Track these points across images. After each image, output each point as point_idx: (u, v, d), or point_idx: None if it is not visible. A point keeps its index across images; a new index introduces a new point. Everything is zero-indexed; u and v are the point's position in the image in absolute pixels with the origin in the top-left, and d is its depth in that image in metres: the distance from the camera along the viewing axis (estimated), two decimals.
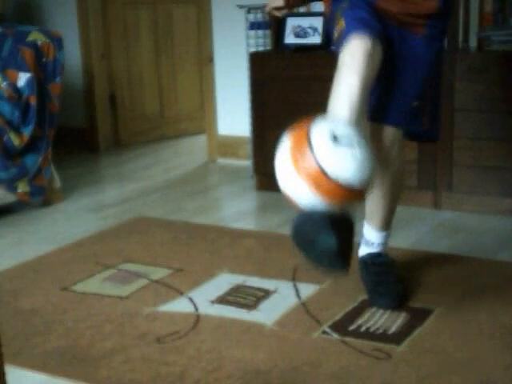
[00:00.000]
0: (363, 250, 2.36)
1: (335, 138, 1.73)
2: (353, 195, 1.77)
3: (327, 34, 2.21)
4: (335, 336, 2.03)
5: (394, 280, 2.26)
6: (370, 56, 1.92)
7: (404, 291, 2.26)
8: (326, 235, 1.80)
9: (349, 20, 2.03)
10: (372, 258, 2.32)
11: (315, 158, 1.71)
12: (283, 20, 3.61)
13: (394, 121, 2.15)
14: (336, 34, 2.09)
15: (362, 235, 2.37)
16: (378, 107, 2.13)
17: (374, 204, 2.29)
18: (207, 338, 2.05)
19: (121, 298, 2.35)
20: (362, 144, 1.76)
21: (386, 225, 2.32)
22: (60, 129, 3.60)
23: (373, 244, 2.33)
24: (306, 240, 1.85)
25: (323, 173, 1.71)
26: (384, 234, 2.32)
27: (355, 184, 1.74)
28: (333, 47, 2.15)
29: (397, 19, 2.08)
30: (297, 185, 1.75)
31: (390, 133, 2.16)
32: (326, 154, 1.71)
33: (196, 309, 2.25)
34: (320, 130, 1.75)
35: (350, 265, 1.89)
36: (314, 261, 1.88)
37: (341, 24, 2.05)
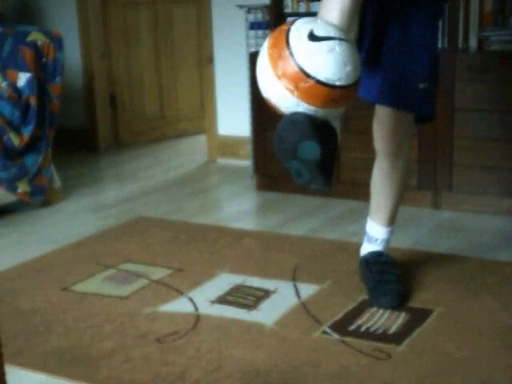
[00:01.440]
0: (365, 249, 2.36)
1: (313, 36, 1.65)
2: (334, 95, 1.67)
3: None
4: (335, 336, 2.03)
5: (396, 280, 2.26)
6: None
7: (405, 291, 2.26)
8: (309, 142, 1.72)
9: None
10: (374, 256, 2.32)
11: (292, 56, 1.64)
12: (283, 20, 3.61)
13: (402, 104, 2.13)
14: None
15: (364, 234, 2.37)
16: (385, 89, 2.11)
17: (381, 197, 2.29)
18: (207, 338, 2.05)
19: (121, 297, 2.35)
20: (343, 40, 1.68)
21: (392, 219, 2.31)
22: (60, 129, 3.60)
23: (376, 240, 2.32)
24: (288, 147, 1.75)
25: (301, 71, 1.63)
26: (388, 229, 2.32)
27: (336, 81, 1.65)
28: None
29: None
30: (276, 86, 1.67)
31: (399, 120, 2.15)
32: (303, 51, 1.64)
33: (196, 309, 2.25)
34: (299, 28, 1.68)
35: (332, 182, 1.81)
36: (295, 171, 1.79)
37: None
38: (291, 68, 1.65)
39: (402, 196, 2.33)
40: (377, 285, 2.24)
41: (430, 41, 2.15)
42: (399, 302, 2.20)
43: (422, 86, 2.12)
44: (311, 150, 1.72)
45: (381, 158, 2.25)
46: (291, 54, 1.65)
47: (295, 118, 1.71)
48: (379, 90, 2.13)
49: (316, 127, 1.72)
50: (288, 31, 1.68)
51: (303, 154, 1.73)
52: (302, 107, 1.69)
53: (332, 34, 1.68)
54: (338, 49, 1.66)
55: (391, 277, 2.26)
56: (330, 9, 1.84)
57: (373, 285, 2.25)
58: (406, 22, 2.09)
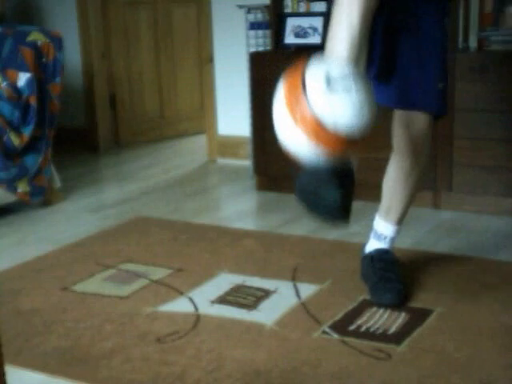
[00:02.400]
0: (371, 245, 2.36)
1: (330, 82, 1.63)
2: (352, 143, 1.69)
3: None
4: (335, 336, 2.03)
5: (398, 279, 2.26)
6: None
7: (406, 292, 2.26)
8: (331, 191, 1.77)
9: None
10: (379, 253, 2.32)
11: (310, 105, 1.62)
12: (283, 20, 3.61)
13: (424, 105, 2.14)
14: None
15: (371, 230, 2.37)
16: (404, 93, 2.12)
17: (395, 196, 2.28)
18: (207, 337, 2.05)
19: (121, 297, 2.35)
20: (359, 86, 1.66)
21: (402, 218, 2.32)
22: (60, 129, 3.60)
23: (385, 238, 2.32)
24: (310, 196, 1.83)
25: (319, 121, 1.62)
26: (398, 228, 2.33)
27: (353, 132, 1.66)
28: None
29: None
30: (294, 134, 1.67)
31: (421, 121, 2.15)
32: (320, 100, 1.62)
33: (196, 309, 2.25)
34: (314, 73, 1.66)
35: (351, 216, 1.86)
36: (316, 215, 1.85)
37: None
38: (310, 117, 1.64)
39: (415, 196, 2.33)
40: (380, 281, 2.24)
41: (442, 40, 2.16)
42: (400, 300, 2.20)
43: (440, 85, 2.14)
44: (332, 197, 1.80)
45: (401, 158, 2.24)
46: (308, 102, 1.64)
47: (317, 170, 1.75)
48: (398, 95, 2.14)
49: (336, 174, 1.77)
50: (303, 77, 1.66)
51: (325, 202, 1.81)
52: (322, 154, 1.69)
53: (348, 79, 1.66)
54: (355, 95, 1.64)
55: (394, 275, 2.26)
56: (338, 41, 1.82)
57: (375, 282, 2.25)
58: (417, 25, 2.10)
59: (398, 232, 2.34)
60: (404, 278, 2.31)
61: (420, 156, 2.23)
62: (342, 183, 1.79)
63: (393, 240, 2.34)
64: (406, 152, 2.22)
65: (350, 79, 1.66)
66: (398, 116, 2.19)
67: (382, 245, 2.33)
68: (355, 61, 1.79)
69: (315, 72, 1.66)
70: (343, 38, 1.80)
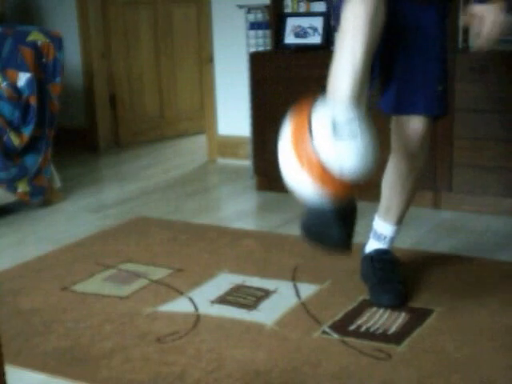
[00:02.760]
0: (371, 246, 2.36)
1: (336, 128, 1.66)
2: (356, 186, 1.73)
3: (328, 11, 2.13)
4: (335, 336, 2.03)
5: (398, 279, 2.26)
6: (374, 18, 1.82)
7: (406, 292, 2.26)
8: (336, 230, 1.81)
9: None
10: (379, 253, 2.32)
11: (316, 150, 1.65)
12: (283, 20, 3.61)
13: (424, 109, 2.13)
14: None
15: (370, 231, 2.37)
16: (403, 98, 2.12)
17: (395, 197, 2.28)
18: (207, 337, 2.05)
19: (121, 298, 2.35)
20: (364, 130, 1.69)
21: (401, 219, 2.32)
22: (60, 129, 3.60)
23: (384, 238, 2.32)
24: (316, 235, 1.88)
25: (325, 165, 1.66)
26: (397, 228, 2.33)
27: (358, 175, 1.70)
28: (332, 22, 2.08)
29: None
30: (299, 176, 1.71)
31: (420, 124, 2.15)
32: (326, 145, 1.65)
33: (196, 309, 2.25)
34: (320, 117, 1.68)
35: (352, 245, 1.90)
36: (322, 248, 1.91)
37: None
38: (316, 162, 1.66)
39: (414, 195, 2.33)
40: (380, 282, 2.24)
41: (442, 41, 2.15)
42: (400, 301, 2.20)
43: (440, 87, 2.14)
44: (337, 236, 1.84)
45: (399, 159, 2.23)
46: (315, 147, 1.66)
47: (320, 209, 1.79)
48: (396, 101, 2.14)
49: (340, 214, 1.80)
50: (310, 120, 1.68)
51: (330, 240, 1.86)
52: (326, 195, 1.73)
53: (353, 124, 1.68)
54: (360, 141, 1.67)
55: (394, 276, 2.26)
56: (341, 78, 1.83)
57: (375, 282, 2.25)
58: (418, 27, 2.09)
59: (397, 232, 2.34)
60: (404, 278, 2.31)
61: (418, 158, 2.22)
62: (346, 222, 1.83)
63: (392, 240, 2.34)
64: (404, 154, 2.21)
65: (355, 124, 1.68)
66: (396, 119, 2.19)
67: (381, 245, 2.33)
68: (358, 97, 1.80)
69: (321, 116, 1.69)
70: (347, 74, 1.81)
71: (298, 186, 1.74)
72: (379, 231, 2.33)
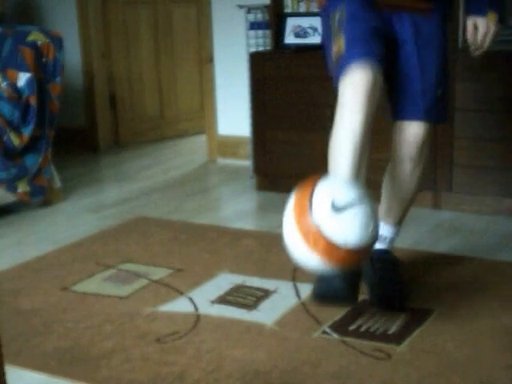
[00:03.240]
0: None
1: (338, 208, 1.71)
2: (356, 256, 1.76)
3: (323, 41, 2.19)
4: (335, 336, 2.03)
5: (398, 279, 2.26)
6: (372, 91, 1.89)
7: (405, 292, 2.26)
8: (347, 294, 1.95)
9: (348, 41, 1.97)
10: (379, 254, 2.31)
11: (321, 230, 1.70)
12: (283, 20, 3.61)
13: (424, 116, 2.13)
14: (334, 57, 2.04)
15: None
16: (404, 105, 2.12)
17: (395, 199, 2.28)
18: (207, 337, 2.05)
19: (121, 298, 2.35)
20: (365, 204, 1.74)
21: (402, 220, 2.33)
22: (60, 129, 3.60)
23: (385, 239, 2.32)
24: (329, 300, 2.01)
25: (331, 242, 1.70)
26: (397, 228, 2.33)
27: (363, 243, 1.73)
28: (331, 74, 2.09)
29: (406, 6, 2.06)
30: (307, 254, 1.74)
31: (420, 131, 2.15)
32: (330, 223, 1.70)
33: (196, 309, 2.25)
34: (321, 193, 1.73)
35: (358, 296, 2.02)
36: (332, 306, 2.09)
37: (339, 45, 1.99)
38: (322, 241, 1.70)
39: (415, 198, 2.33)
40: (380, 282, 2.24)
41: (443, 48, 2.15)
42: (400, 301, 2.20)
43: (439, 92, 2.14)
44: (349, 299, 1.99)
45: (400, 163, 2.23)
46: (319, 228, 1.70)
47: (330, 278, 1.90)
48: (397, 108, 2.15)
49: (349, 280, 1.93)
50: (311, 195, 1.72)
51: (342, 302, 2.05)
52: (334, 267, 1.77)
53: (353, 198, 1.72)
54: (360, 215, 1.71)
55: (393, 276, 2.26)
56: (341, 153, 1.89)
57: (375, 282, 2.25)
58: (417, 38, 2.09)
59: (397, 233, 2.34)
60: (404, 278, 2.31)
61: (419, 162, 2.21)
62: (355, 285, 1.96)
63: (393, 240, 2.34)
64: (404, 159, 2.21)
65: (356, 203, 1.72)
66: (397, 124, 2.19)
67: (381, 245, 2.33)
68: (359, 169, 1.87)
69: (322, 192, 1.73)
70: (347, 152, 1.87)
71: (303, 260, 1.78)
72: (380, 232, 2.33)
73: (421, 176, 2.26)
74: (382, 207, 2.32)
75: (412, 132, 2.16)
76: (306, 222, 1.71)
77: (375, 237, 1.79)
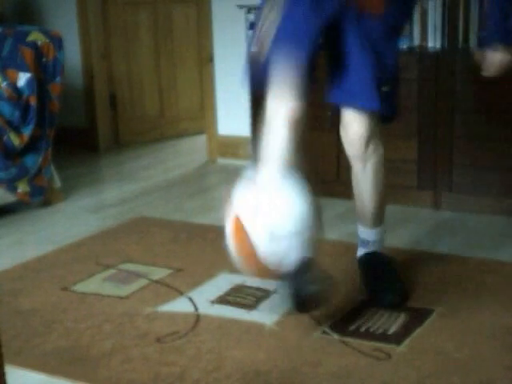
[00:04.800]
0: (360, 251, 2.36)
1: (274, 237, 1.84)
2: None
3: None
4: (335, 336, 2.03)
5: (394, 278, 2.26)
6: (293, 118, 1.99)
7: (405, 289, 2.26)
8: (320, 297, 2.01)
9: (281, 31, 1.98)
10: (369, 257, 2.32)
11: (260, 258, 1.88)
12: None
13: (360, 102, 2.13)
14: (262, 39, 2.08)
15: (357, 236, 2.37)
16: (344, 88, 2.13)
17: (360, 202, 2.28)
18: (207, 338, 2.05)
19: (121, 297, 2.35)
20: (302, 230, 1.86)
21: (377, 221, 2.30)
22: (60, 129, 3.60)
23: (368, 243, 2.32)
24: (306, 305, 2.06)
25: (269, 268, 1.89)
26: (377, 230, 2.31)
27: (295, 265, 1.88)
28: (253, 51, 2.15)
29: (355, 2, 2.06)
30: (251, 273, 2.01)
31: (361, 128, 2.15)
32: (267, 252, 1.86)
33: (196, 309, 2.25)
34: (258, 229, 1.86)
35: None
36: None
37: (268, 29, 2.03)
38: (261, 266, 1.90)
39: (384, 196, 2.30)
40: (376, 283, 2.24)
41: (391, 45, 2.14)
42: (401, 300, 2.20)
43: (385, 88, 2.12)
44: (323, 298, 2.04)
45: (351, 161, 2.24)
46: (259, 256, 1.88)
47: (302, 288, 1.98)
48: (338, 89, 2.16)
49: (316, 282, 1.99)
50: (247, 232, 1.88)
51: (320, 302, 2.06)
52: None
53: (290, 229, 1.85)
54: (295, 242, 1.86)
55: (389, 275, 2.26)
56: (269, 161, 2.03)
57: (372, 284, 2.25)
58: (361, 32, 2.08)
59: (380, 234, 2.32)
60: (402, 277, 2.31)
61: (367, 158, 2.20)
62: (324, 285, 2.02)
63: (378, 242, 2.33)
64: (352, 156, 2.21)
65: (292, 236, 1.86)
66: (342, 116, 2.19)
67: (367, 249, 2.33)
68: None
69: (260, 229, 1.87)
70: (274, 158, 2.00)
71: (252, 274, 2.01)
72: (362, 237, 2.34)
73: (376, 175, 2.23)
74: (357, 212, 2.32)
75: (354, 130, 2.16)
76: (241, 236, 1.88)
77: (314, 253, 1.92)
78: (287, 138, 1.97)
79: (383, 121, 2.23)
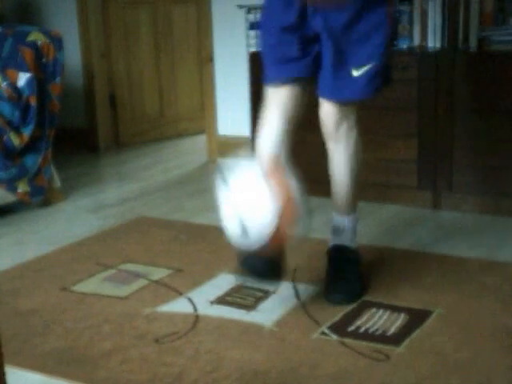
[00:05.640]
0: (331, 240, 2.40)
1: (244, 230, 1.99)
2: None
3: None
4: (334, 337, 2.03)
5: (351, 278, 2.28)
6: (289, 105, 2.17)
7: (359, 290, 2.28)
8: (265, 276, 2.14)
9: (264, 61, 2.19)
10: (335, 251, 2.35)
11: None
12: None
13: (330, 94, 2.19)
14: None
15: (331, 225, 2.39)
16: (319, 81, 2.19)
17: (333, 186, 2.32)
18: (206, 338, 2.04)
19: (120, 298, 2.35)
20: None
21: (348, 208, 2.33)
22: (60, 129, 3.60)
23: (339, 229, 2.35)
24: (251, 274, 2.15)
25: None
26: (348, 218, 2.33)
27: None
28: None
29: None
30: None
31: (331, 108, 2.21)
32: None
33: (195, 309, 2.24)
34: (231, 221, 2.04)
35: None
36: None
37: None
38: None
39: (356, 183, 2.32)
40: (332, 281, 2.29)
41: (360, 35, 2.14)
42: (349, 301, 2.22)
43: (356, 73, 2.15)
44: (267, 278, 2.18)
45: (329, 146, 2.30)
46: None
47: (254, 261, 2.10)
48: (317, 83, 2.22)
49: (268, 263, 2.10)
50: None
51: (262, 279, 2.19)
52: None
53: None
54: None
55: (348, 275, 2.29)
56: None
57: (328, 280, 2.30)
58: (327, 26, 2.12)
59: (353, 222, 2.35)
60: (360, 275, 2.32)
61: (338, 141, 2.25)
62: (275, 268, 2.13)
63: (349, 232, 2.35)
64: (325, 137, 2.28)
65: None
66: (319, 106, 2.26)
67: (340, 239, 2.35)
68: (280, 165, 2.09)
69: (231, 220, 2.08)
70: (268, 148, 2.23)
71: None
72: (335, 223, 2.36)
73: (349, 158, 2.27)
74: (332, 198, 2.35)
75: (325, 110, 2.23)
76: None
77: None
78: (280, 129, 2.12)
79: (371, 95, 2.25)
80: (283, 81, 2.16)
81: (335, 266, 2.33)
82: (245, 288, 2.39)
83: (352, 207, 2.34)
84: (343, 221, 2.34)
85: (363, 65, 2.14)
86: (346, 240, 2.35)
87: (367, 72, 2.14)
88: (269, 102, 2.21)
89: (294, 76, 2.16)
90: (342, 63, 2.14)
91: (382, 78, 2.19)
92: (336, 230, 2.36)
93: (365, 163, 2.36)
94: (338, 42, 2.12)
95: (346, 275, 2.28)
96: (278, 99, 2.17)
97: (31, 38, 3.28)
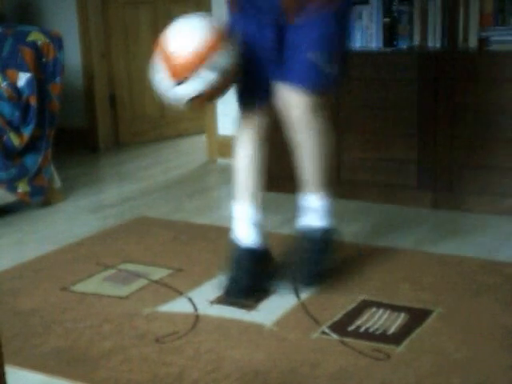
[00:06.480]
0: (301, 220, 2.42)
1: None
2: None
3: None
4: (334, 336, 2.03)
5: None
6: (260, 134, 2.38)
7: (321, 274, 2.34)
8: (248, 293, 2.27)
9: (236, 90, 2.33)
10: (309, 232, 2.37)
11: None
12: None
13: (296, 80, 2.22)
14: None
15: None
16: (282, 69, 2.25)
17: (304, 162, 2.35)
18: (206, 338, 2.04)
19: (120, 298, 2.35)
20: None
21: (322, 186, 2.35)
22: (60, 129, 3.60)
23: (316, 210, 2.36)
24: (234, 295, 2.28)
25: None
26: (322, 195, 2.35)
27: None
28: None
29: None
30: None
31: (298, 96, 2.23)
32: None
33: (195, 309, 2.25)
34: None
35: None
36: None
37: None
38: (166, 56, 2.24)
39: (327, 161, 2.34)
40: (299, 259, 2.37)
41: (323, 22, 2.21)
42: (311, 283, 2.32)
43: (317, 64, 2.20)
44: (250, 294, 2.30)
45: (292, 133, 2.34)
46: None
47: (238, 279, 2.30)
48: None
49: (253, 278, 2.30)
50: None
51: (245, 297, 2.30)
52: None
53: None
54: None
55: (315, 258, 2.35)
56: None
57: (298, 261, 2.38)
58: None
59: (324, 200, 2.36)
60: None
61: (307, 131, 2.28)
62: (259, 283, 2.31)
63: (325, 211, 2.37)
64: (292, 128, 2.31)
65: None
66: (279, 94, 2.29)
67: (315, 219, 2.37)
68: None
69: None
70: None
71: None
72: (306, 204, 2.38)
73: (318, 137, 2.30)
74: (303, 178, 2.38)
75: (286, 100, 2.27)
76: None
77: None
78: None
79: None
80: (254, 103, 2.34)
81: (306, 244, 2.36)
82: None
83: (325, 186, 2.36)
84: (314, 198, 2.36)
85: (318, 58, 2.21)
86: (324, 220, 2.36)
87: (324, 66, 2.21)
88: (239, 139, 2.42)
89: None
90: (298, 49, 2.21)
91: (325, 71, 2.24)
92: (308, 209, 2.38)
93: (334, 147, 2.41)
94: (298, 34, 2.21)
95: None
96: (249, 135, 2.42)
97: (31, 37, 3.28)
